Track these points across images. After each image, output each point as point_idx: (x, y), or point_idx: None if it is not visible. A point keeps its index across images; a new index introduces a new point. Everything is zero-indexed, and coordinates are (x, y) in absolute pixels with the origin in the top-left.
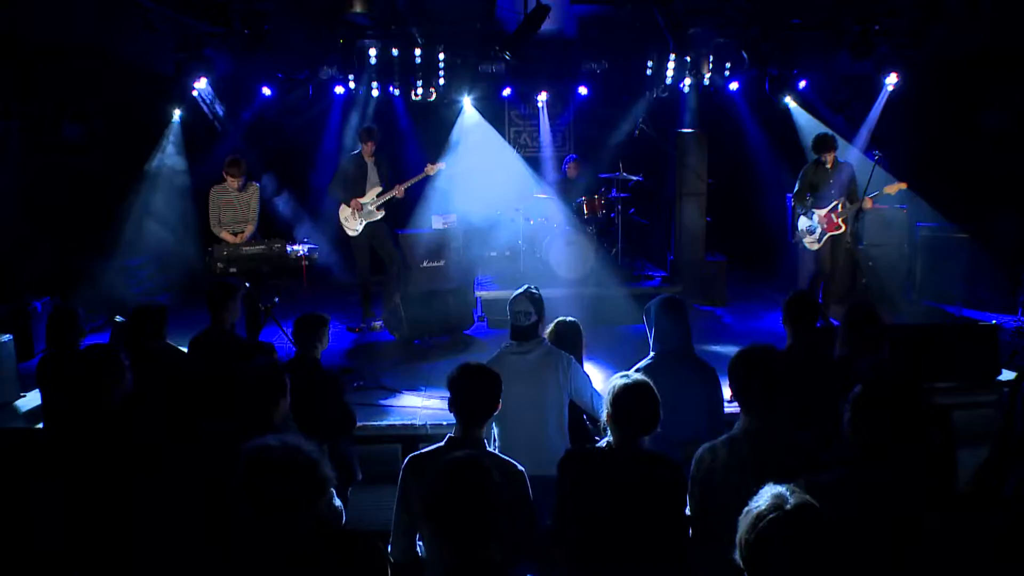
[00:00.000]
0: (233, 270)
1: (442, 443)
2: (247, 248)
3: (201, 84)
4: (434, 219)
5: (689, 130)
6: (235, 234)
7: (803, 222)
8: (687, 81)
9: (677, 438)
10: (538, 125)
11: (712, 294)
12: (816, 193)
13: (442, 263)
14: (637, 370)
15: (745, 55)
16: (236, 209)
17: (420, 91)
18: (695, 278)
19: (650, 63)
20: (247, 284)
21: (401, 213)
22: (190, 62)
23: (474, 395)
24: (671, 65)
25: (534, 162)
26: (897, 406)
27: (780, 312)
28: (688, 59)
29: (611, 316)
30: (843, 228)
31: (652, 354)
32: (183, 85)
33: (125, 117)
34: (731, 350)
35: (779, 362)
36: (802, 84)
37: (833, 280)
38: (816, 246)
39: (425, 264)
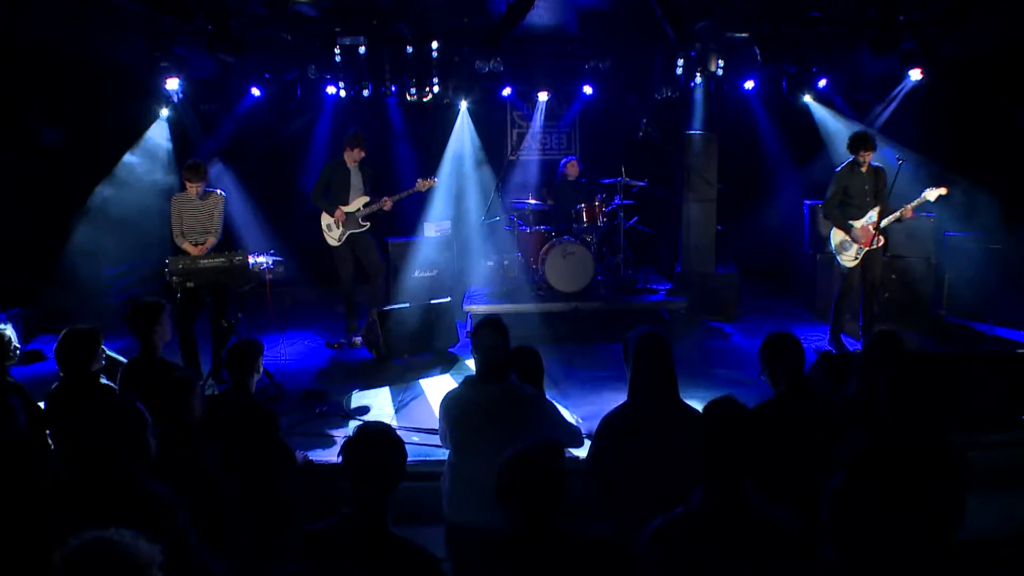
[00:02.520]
0: (190, 284)
1: (334, 520)
2: (205, 261)
3: (173, 84)
4: (427, 226)
5: (698, 131)
6: (197, 245)
7: (837, 236)
8: (697, 80)
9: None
10: (548, 127)
11: (722, 308)
12: (851, 201)
13: (435, 273)
14: (609, 417)
15: (757, 51)
16: (198, 218)
17: (414, 92)
18: (704, 291)
19: (659, 59)
20: (167, 303)
21: (392, 220)
22: (160, 60)
23: (373, 466)
24: (680, 62)
25: (537, 165)
26: (888, 494)
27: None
28: (694, 55)
29: (611, 333)
30: (882, 241)
31: (627, 399)
32: (154, 85)
33: (104, 120)
34: (737, 374)
35: (751, 425)
36: (822, 83)
37: (873, 299)
38: (853, 263)
39: (418, 274)
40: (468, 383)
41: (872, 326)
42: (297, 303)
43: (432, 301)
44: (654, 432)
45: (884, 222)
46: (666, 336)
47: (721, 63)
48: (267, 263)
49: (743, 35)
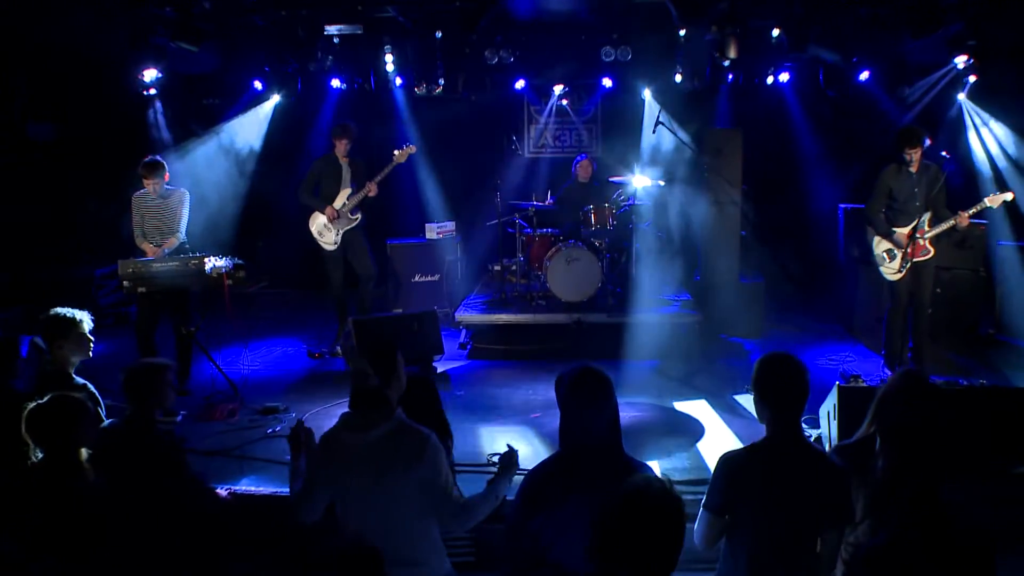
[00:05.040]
0: (142, 289)
1: None
2: (158, 265)
3: (151, 74)
4: (428, 228)
5: (721, 127)
6: (158, 246)
7: (881, 244)
8: (725, 66)
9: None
10: (563, 123)
11: (744, 323)
12: (896, 205)
13: (436, 278)
14: (534, 475)
15: (785, 38)
16: (159, 218)
17: (424, 85)
18: (725, 303)
19: (681, 48)
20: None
21: (393, 220)
22: (139, 50)
23: None
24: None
25: (550, 163)
26: None
27: (824, 347)
28: (710, 39)
29: (616, 349)
30: (932, 252)
31: (558, 452)
32: (132, 76)
33: (97, 115)
34: (745, 406)
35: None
36: (864, 75)
37: (921, 315)
38: (896, 276)
39: (417, 278)
40: (339, 422)
41: (922, 349)
42: (295, 307)
43: (416, 310)
44: (588, 492)
45: (934, 231)
46: (606, 375)
47: (735, 49)
48: (225, 266)
49: (768, 20)
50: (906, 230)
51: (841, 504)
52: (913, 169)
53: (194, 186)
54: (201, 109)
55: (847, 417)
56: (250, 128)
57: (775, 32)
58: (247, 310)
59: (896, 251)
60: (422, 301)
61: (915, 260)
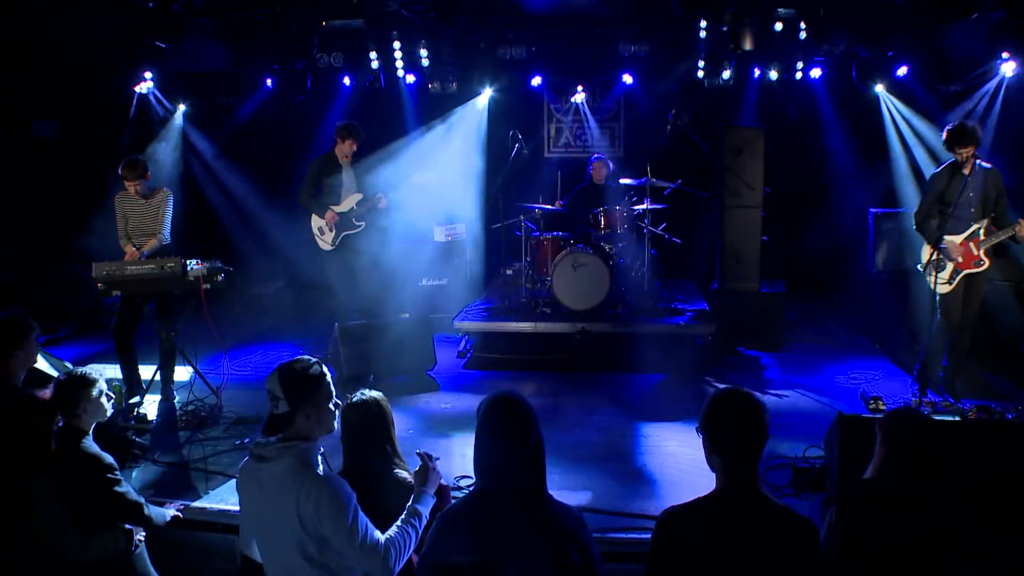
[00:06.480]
0: (116, 293)
1: None
2: (133, 268)
3: (147, 74)
4: (437, 230)
5: (741, 125)
6: (139, 248)
7: (928, 254)
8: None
9: None
10: (583, 121)
11: (763, 335)
12: (948, 211)
13: (444, 282)
14: (448, 514)
15: (803, 26)
16: (142, 219)
17: (438, 83)
18: (744, 313)
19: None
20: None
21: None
22: (131, 49)
23: None
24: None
25: (566, 163)
26: None
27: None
28: (725, 31)
29: (622, 361)
30: (986, 263)
31: (473, 488)
32: (129, 74)
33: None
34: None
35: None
36: (902, 71)
37: (964, 333)
38: (947, 288)
39: (425, 282)
40: (252, 447)
41: (960, 368)
42: (309, 308)
43: (405, 316)
44: (499, 533)
45: (991, 240)
46: (526, 403)
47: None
48: (201, 269)
49: (788, 9)
50: (959, 239)
51: (809, 569)
52: (967, 171)
53: (204, 185)
54: (215, 107)
55: (849, 449)
56: (265, 125)
57: (780, 23)
58: (259, 312)
59: (947, 261)
60: (429, 305)
61: (967, 272)
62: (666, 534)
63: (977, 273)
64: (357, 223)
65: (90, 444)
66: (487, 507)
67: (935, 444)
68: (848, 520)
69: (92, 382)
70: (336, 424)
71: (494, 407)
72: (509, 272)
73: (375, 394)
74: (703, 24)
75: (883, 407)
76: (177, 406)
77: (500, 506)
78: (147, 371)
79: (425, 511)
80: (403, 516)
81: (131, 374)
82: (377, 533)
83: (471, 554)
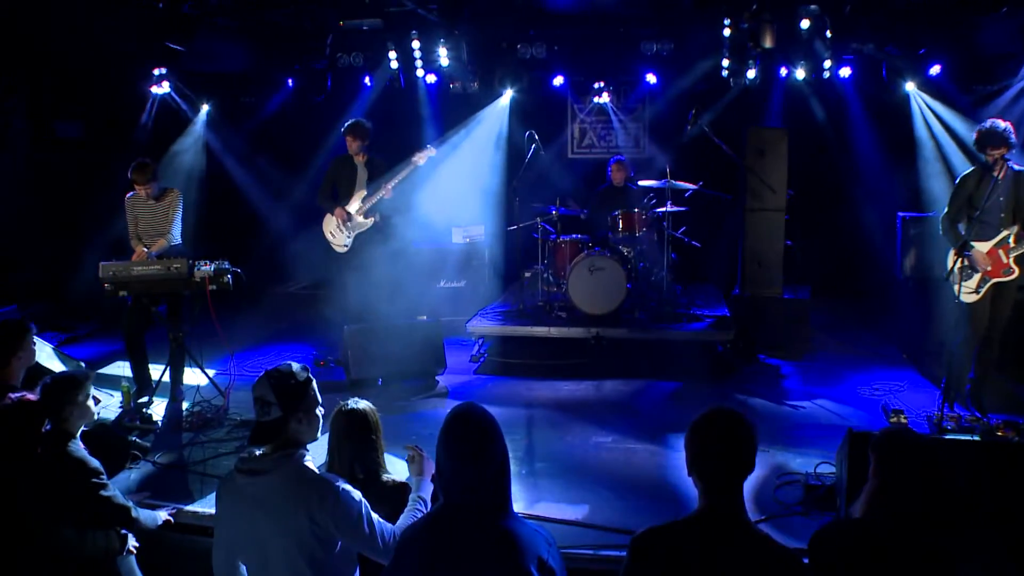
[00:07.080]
0: (123, 294)
1: None
2: (139, 269)
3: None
4: (455, 231)
5: (764, 126)
6: (149, 248)
7: (953, 260)
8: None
9: None
10: (607, 122)
11: (786, 343)
12: (976, 215)
13: (463, 284)
14: (409, 533)
15: (828, 22)
16: (152, 220)
17: (459, 83)
18: (766, 319)
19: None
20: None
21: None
22: (146, 47)
23: None
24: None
25: (588, 164)
26: None
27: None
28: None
29: (638, 367)
30: (1016, 272)
31: (437, 506)
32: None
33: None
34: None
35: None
36: (934, 70)
37: (991, 343)
38: (974, 297)
39: (443, 284)
40: (237, 461)
41: (984, 382)
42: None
43: (420, 318)
44: (462, 551)
45: (1021, 247)
46: (489, 417)
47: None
48: (208, 271)
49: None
50: (987, 245)
51: None
52: (997, 174)
53: (226, 185)
54: (237, 107)
55: (858, 468)
56: (286, 125)
57: (804, 23)
58: (280, 312)
59: (973, 270)
60: (447, 308)
61: (996, 280)
62: (639, 556)
63: (1007, 282)
64: (366, 219)
65: (76, 448)
66: (448, 525)
67: (933, 474)
68: (822, 572)
69: (78, 385)
70: (319, 433)
71: (454, 421)
72: (527, 275)
73: (365, 404)
74: (726, 22)
75: (904, 420)
76: (184, 407)
77: (459, 524)
78: (159, 371)
79: (427, 495)
80: (409, 504)
81: (141, 374)
82: (389, 526)
83: (427, 573)
